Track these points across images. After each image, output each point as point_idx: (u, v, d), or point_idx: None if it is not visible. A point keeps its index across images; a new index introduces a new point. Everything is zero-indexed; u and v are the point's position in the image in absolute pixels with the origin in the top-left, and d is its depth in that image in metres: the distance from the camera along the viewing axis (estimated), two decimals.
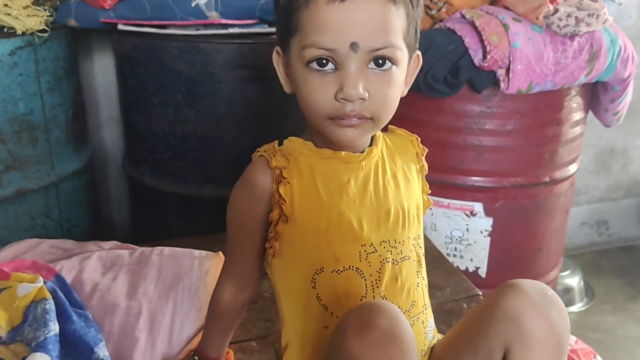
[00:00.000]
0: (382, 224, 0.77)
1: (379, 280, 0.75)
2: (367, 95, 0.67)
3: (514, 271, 1.61)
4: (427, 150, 0.86)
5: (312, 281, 0.75)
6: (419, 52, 0.76)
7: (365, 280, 0.75)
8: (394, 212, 0.78)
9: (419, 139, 0.86)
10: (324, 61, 0.66)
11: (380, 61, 0.67)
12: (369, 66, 0.67)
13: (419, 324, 0.79)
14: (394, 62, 0.68)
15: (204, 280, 1.06)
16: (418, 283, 0.80)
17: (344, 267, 0.74)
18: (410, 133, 0.87)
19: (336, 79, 0.67)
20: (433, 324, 0.84)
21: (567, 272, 2.05)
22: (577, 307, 2.00)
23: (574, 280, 2.04)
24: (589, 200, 2.37)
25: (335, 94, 0.67)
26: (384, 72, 0.68)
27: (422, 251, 0.83)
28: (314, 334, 0.76)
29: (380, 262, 0.75)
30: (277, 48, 0.75)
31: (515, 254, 1.60)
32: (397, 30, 0.68)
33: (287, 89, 0.76)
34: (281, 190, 0.73)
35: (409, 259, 0.79)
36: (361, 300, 0.74)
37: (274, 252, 0.77)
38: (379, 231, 0.76)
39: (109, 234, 1.95)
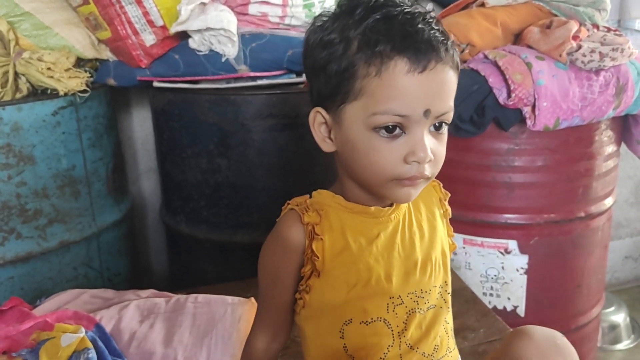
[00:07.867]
0: (410, 276, 0.78)
1: (405, 329, 0.76)
2: (433, 157, 0.69)
3: (554, 309, 1.57)
4: (449, 195, 0.86)
5: (340, 332, 0.76)
6: None
7: (392, 330, 0.76)
8: (422, 263, 0.79)
9: (441, 184, 0.87)
10: (390, 126, 0.67)
11: (437, 124, 0.69)
12: (430, 129, 0.69)
13: None
14: (447, 123, 0.71)
15: (236, 326, 1.08)
16: (443, 327, 0.81)
17: (372, 319, 0.75)
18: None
19: (405, 143, 0.67)
20: None
21: (612, 309, 1.98)
22: (624, 345, 1.93)
23: (619, 317, 1.97)
24: (631, 233, 2.31)
25: (405, 157, 0.68)
26: (439, 133, 0.70)
27: (449, 296, 0.83)
28: None
29: (407, 312, 0.77)
30: (318, 109, 0.73)
31: (554, 292, 1.56)
32: (454, 94, 0.70)
33: (326, 148, 0.75)
34: (314, 247, 0.73)
35: (434, 307, 0.80)
36: (388, 349, 0.75)
37: (304, 304, 0.77)
38: (407, 283, 0.77)
39: (148, 281, 1.99)
